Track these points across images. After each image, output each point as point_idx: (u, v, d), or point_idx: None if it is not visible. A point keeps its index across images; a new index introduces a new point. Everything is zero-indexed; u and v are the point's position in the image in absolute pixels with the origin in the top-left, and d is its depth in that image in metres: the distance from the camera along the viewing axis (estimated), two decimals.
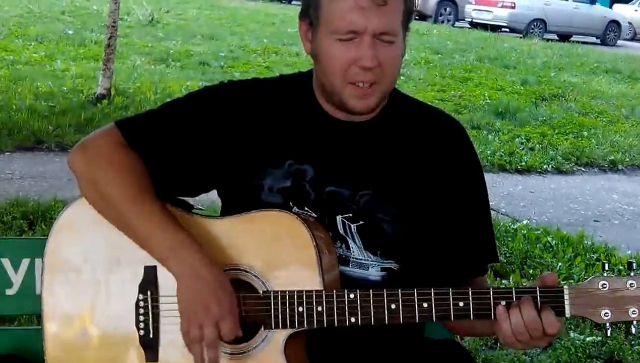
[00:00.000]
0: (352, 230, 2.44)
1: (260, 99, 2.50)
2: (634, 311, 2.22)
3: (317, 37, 2.40)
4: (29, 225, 6.57)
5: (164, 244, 2.31)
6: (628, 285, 2.23)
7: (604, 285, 2.23)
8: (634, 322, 2.23)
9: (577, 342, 5.42)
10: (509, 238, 7.27)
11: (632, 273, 2.24)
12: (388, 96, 2.50)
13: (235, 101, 2.49)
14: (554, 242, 7.37)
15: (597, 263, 6.95)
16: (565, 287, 2.26)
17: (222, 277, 2.30)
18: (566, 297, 2.25)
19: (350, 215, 2.44)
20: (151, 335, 2.37)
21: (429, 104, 2.65)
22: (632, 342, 5.54)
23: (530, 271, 6.64)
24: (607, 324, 2.25)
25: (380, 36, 2.34)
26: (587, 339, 5.46)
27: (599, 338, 5.50)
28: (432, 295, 2.27)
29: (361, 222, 2.44)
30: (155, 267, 2.37)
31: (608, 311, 2.23)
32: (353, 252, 2.44)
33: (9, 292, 2.81)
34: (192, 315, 2.28)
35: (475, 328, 2.45)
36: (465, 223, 2.49)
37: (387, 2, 2.32)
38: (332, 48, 2.36)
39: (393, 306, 2.27)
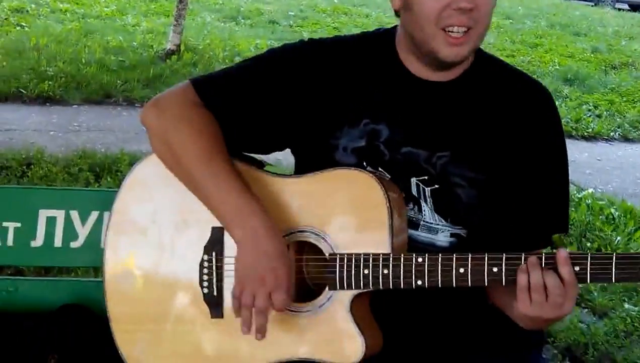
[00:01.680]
0: (427, 193, 2.41)
1: (340, 58, 2.46)
2: None
3: None
4: (95, 177, 6.63)
5: (228, 208, 2.30)
6: None
7: None
8: None
9: (633, 312, 5.41)
10: (572, 208, 7.15)
11: None
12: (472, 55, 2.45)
13: (315, 60, 2.45)
14: (616, 213, 7.28)
15: None
16: (613, 253, 2.19)
17: (282, 247, 2.29)
18: (613, 262, 2.16)
19: (426, 178, 2.40)
20: (215, 293, 2.38)
21: (513, 65, 2.58)
22: None
23: (588, 244, 6.58)
24: None
25: None
26: None
27: None
28: (503, 259, 2.22)
29: (436, 186, 2.40)
30: (222, 228, 2.36)
31: None
32: (425, 215, 2.41)
33: (74, 244, 2.86)
34: (247, 282, 2.28)
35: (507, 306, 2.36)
36: (540, 191, 2.42)
37: None
38: None
39: (462, 270, 2.24)
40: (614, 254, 2.18)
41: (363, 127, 2.42)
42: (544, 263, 2.19)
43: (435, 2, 2.27)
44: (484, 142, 2.41)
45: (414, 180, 2.40)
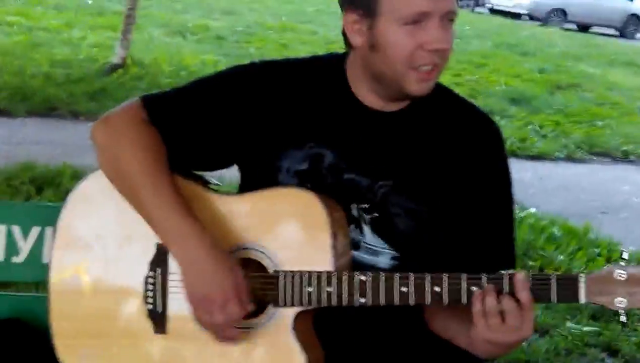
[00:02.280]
0: (366, 219, 2.42)
1: (289, 80, 2.46)
2: None
3: (377, 27, 2.30)
4: (37, 190, 6.57)
5: (169, 228, 2.31)
6: None
7: (621, 275, 2.18)
8: None
9: (574, 330, 5.46)
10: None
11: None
12: None
13: (264, 81, 2.46)
14: (559, 233, 7.36)
15: (598, 258, 6.95)
16: (580, 274, 2.19)
17: (225, 261, 2.29)
18: (581, 283, 2.17)
19: (367, 206, 2.41)
20: (159, 309, 2.38)
21: (463, 96, 2.56)
22: (629, 333, 5.56)
23: (530, 263, 6.62)
24: (622, 311, 2.19)
25: (446, 16, 2.29)
26: (584, 329, 5.50)
27: (596, 328, 5.53)
28: (446, 280, 2.22)
29: (375, 214, 2.42)
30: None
31: (623, 299, 2.18)
32: (365, 236, 2.42)
33: (16, 259, 2.82)
34: (198, 303, 2.29)
35: (458, 335, 2.37)
36: (485, 226, 2.42)
37: None
38: (398, 35, 2.27)
39: (404, 289, 2.24)
40: (554, 275, 2.20)
41: (307, 150, 2.42)
42: (495, 284, 2.20)
43: (408, 44, 2.26)
44: (427, 173, 2.41)
45: (354, 206, 2.41)
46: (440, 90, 2.46)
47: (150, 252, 2.38)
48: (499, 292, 2.18)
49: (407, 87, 2.31)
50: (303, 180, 2.42)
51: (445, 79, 10.73)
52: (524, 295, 2.17)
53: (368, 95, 2.41)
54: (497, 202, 2.45)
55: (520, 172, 9.61)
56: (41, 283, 2.57)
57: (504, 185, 2.47)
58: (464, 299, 2.22)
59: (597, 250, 7.15)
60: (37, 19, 15.07)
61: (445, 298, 2.23)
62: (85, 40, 13.65)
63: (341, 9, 2.39)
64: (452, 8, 2.28)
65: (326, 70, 2.48)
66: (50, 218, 2.53)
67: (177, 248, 2.30)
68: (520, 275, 2.17)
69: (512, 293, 2.18)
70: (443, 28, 2.26)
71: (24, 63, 11.08)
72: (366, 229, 2.42)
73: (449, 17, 2.28)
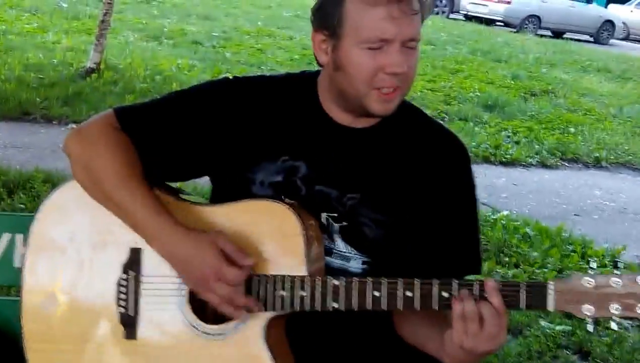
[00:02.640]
0: (335, 229, 2.47)
1: (263, 96, 2.52)
2: (617, 308, 2.19)
3: (340, 48, 2.38)
4: (8, 193, 6.57)
5: (148, 226, 2.36)
6: (612, 283, 2.19)
7: (589, 282, 2.20)
8: (614, 318, 2.21)
9: (547, 330, 5.50)
10: (488, 228, 7.30)
11: (616, 271, 2.24)
12: None
13: (237, 96, 2.51)
14: (532, 233, 7.44)
15: (573, 254, 7.04)
16: (549, 281, 2.23)
17: (201, 237, 2.32)
18: (550, 291, 2.21)
19: (336, 215, 2.46)
20: (131, 313, 2.41)
21: (432, 117, 2.66)
22: (601, 333, 5.60)
23: (506, 259, 6.73)
24: (589, 320, 2.23)
25: (408, 43, 2.35)
26: (557, 328, 5.55)
27: (569, 327, 5.57)
28: (417, 285, 2.26)
29: (344, 223, 2.46)
30: (140, 249, 2.41)
31: (591, 307, 2.20)
32: (337, 244, 2.47)
33: None
34: (198, 288, 2.32)
35: (428, 342, 2.40)
36: (451, 234, 2.49)
37: (417, 11, 2.36)
38: (360, 57, 2.35)
39: (377, 293, 2.27)
40: (524, 282, 2.23)
41: (281, 163, 2.48)
42: (467, 290, 2.22)
43: (370, 66, 2.35)
44: (394, 187, 2.48)
45: (323, 214, 2.46)
46: (409, 109, 2.56)
47: (124, 257, 2.41)
48: (475, 298, 2.21)
49: (369, 106, 2.39)
50: (278, 192, 2.48)
51: (420, 85, 10.86)
52: (496, 300, 2.20)
53: (337, 112, 2.49)
54: (463, 212, 2.52)
55: (494, 177, 9.70)
56: (12, 287, 2.56)
57: (469, 197, 2.55)
58: (435, 305, 2.25)
59: (571, 247, 7.23)
60: (10, 22, 14.97)
61: (417, 304, 2.26)
62: (59, 44, 13.58)
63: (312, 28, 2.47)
64: (413, 35, 2.36)
65: (299, 87, 2.54)
66: (20, 226, 2.65)
67: (158, 244, 2.36)
68: (491, 282, 2.21)
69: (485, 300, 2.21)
70: (403, 53, 2.34)
71: None
72: (336, 237, 2.46)
73: (410, 44, 2.36)
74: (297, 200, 2.45)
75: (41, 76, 10.84)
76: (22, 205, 6.22)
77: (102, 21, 11.24)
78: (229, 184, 2.52)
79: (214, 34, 16.97)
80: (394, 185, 2.49)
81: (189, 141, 2.47)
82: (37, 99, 9.75)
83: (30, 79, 10.60)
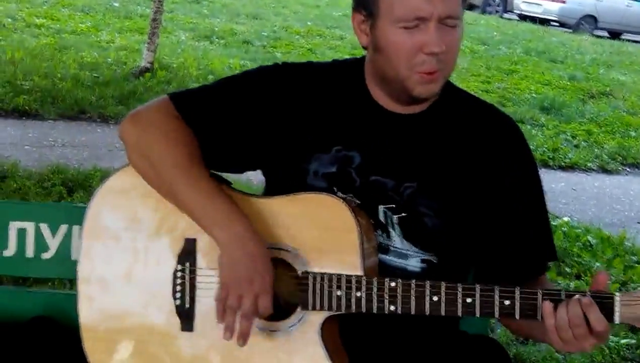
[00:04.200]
0: (394, 220, 2.42)
1: (312, 84, 2.50)
2: None
3: (377, 28, 2.36)
4: (68, 192, 6.65)
5: (211, 212, 2.32)
6: None
7: None
8: None
9: (612, 343, 5.36)
10: None
11: None
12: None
13: (288, 84, 2.48)
14: (594, 241, 7.27)
15: (637, 265, 6.87)
16: (616, 293, 2.20)
17: (266, 253, 2.30)
18: (617, 303, 2.18)
19: (393, 206, 2.42)
20: (187, 306, 2.38)
21: (481, 98, 2.61)
22: None
23: (568, 269, 6.57)
24: None
25: (445, 20, 2.31)
26: (622, 341, 5.41)
27: (634, 341, 5.45)
28: (477, 291, 2.24)
29: (403, 214, 2.42)
30: (195, 239, 2.38)
31: None
32: (394, 241, 2.42)
33: (45, 255, 2.86)
34: (233, 284, 2.28)
35: (533, 330, 2.39)
36: (520, 221, 2.44)
37: None
38: (396, 36, 2.32)
39: (435, 298, 2.25)
40: (587, 292, 2.20)
41: (335, 153, 2.45)
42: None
43: (407, 46, 2.32)
44: (450, 173, 2.43)
45: (381, 207, 2.42)
46: (458, 92, 2.54)
47: (178, 248, 2.40)
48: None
49: (411, 89, 2.36)
50: (331, 183, 2.44)
51: (473, 85, 10.78)
52: (593, 317, 2.17)
53: (384, 99, 2.46)
54: (529, 197, 2.48)
55: (552, 182, 9.54)
56: (71, 281, 2.60)
57: (533, 178, 2.50)
58: (497, 313, 2.24)
59: (634, 258, 7.05)
60: (64, 21, 15.16)
61: (477, 311, 2.24)
62: (113, 43, 13.73)
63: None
64: (450, 12, 2.31)
65: (347, 74, 2.52)
66: (75, 217, 2.66)
67: (218, 229, 2.31)
68: (586, 300, 2.18)
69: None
70: (441, 31, 2.31)
71: (52, 65, 11.15)
72: (394, 233, 2.43)
73: (448, 22, 2.32)
74: (352, 191, 2.43)
75: (96, 75, 10.94)
76: (81, 204, 6.21)
77: (154, 19, 11.32)
78: (284, 176, 2.49)
79: (263, 33, 17.03)
80: (451, 171, 2.44)
81: (245, 128, 2.45)
82: (93, 98, 9.84)
83: (86, 77, 10.69)
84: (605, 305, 2.18)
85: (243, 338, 2.28)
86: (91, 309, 2.45)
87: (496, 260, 2.43)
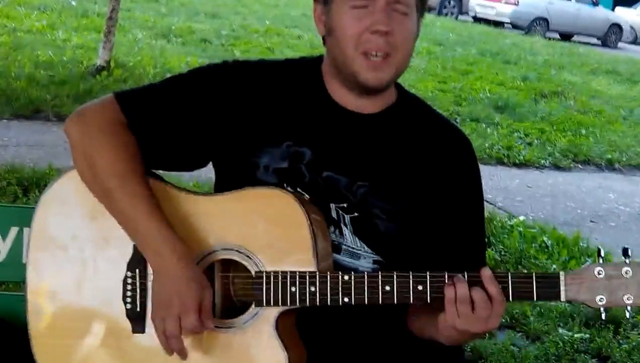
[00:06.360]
0: (346, 220, 2.44)
1: (264, 79, 2.50)
2: (629, 297, 2.24)
3: (330, 12, 2.41)
4: (24, 191, 6.59)
5: (143, 233, 2.32)
6: (623, 273, 2.25)
7: (600, 272, 2.25)
8: (628, 307, 2.26)
9: (565, 337, 5.45)
10: (505, 236, 7.24)
11: (627, 261, 2.27)
12: (396, 93, 2.54)
13: (238, 79, 2.48)
14: (549, 242, 7.35)
15: None
16: (561, 272, 2.26)
17: (195, 274, 2.31)
18: (562, 282, 2.25)
19: (345, 205, 2.43)
20: (138, 309, 2.39)
21: (435, 109, 2.66)
22: (620, 341, 5.58)
23: (524, 271, 6.58)
24: (602, 309, 2.27)
25: (395, 5, 2.36)
26: (576, 335, 5.51)
27: (587, 335, 5.54)
28: (428, 277, 2.28)
29: (355, 214, 2.44)
30: None
31: (603, 297, 2.25)
32: (346, 239, 2.44)
33: None
34: (157, 308, 2.32)
35: (430, 328, 2.40)
36: (456, 229, 2.48)
37: None
38: (345, 16, 2.37)
39: (388, 287, 2.28)
40: (534, 273, 2.27)
41: (286, 148, 2.45)
42: (470, 280, 2.25)
43: (354, 26, 2.36)
44: (403, 176, 2.47)
45: (333, 205, 2.43)
46: (414, 99, 2.58)
47: (128, 254, 2.39)
48: (471, 285, 2.24)
49: (358, 73, 2.39)
50: (282, 178, 2.45)
51: (431, 85, 10.90)
52: (492, 289, 2.23)
53: (343, 95, 2.47)
54: (470, 207, 2.53)
55: (507, 179, 9.65)
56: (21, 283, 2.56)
57: (476, 190, 2.55)
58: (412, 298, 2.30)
59: (589, 260, 7.09)
60: (20, 20, 14.93)
61: (428, 297, 2.28)
62: (69, 41, 13.56)
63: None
64: None
65: (302, 71, 2.53)
66: (26, 219, 2.57)
67: (150, 253, 2.33)
68: (486, 271, 2.24)
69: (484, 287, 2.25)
70: (388, 13, 2.34)
71: (7, 65, 11.02)
72: (346, 231, 2.44)
73: (398, 7, 2.36)
74: (301, 187, 2.44)
75: (51, 74, 10.84)
76: (33, 206, 6.16)
77: (110, 18, 11.25)
78: (234, 171, 2.49)
79: (222, 32, 16.98)
80: (402, 175, 2.47)
81: (192, 126, 2.44)
82: (48, 97, 9.75)
83: (41, 76, 10.59)
84: (551, 283, 2.25)
85: (180, 354, 2.32)
86: (41, 320, 2.44)
87: (435, 265, 2.39)
